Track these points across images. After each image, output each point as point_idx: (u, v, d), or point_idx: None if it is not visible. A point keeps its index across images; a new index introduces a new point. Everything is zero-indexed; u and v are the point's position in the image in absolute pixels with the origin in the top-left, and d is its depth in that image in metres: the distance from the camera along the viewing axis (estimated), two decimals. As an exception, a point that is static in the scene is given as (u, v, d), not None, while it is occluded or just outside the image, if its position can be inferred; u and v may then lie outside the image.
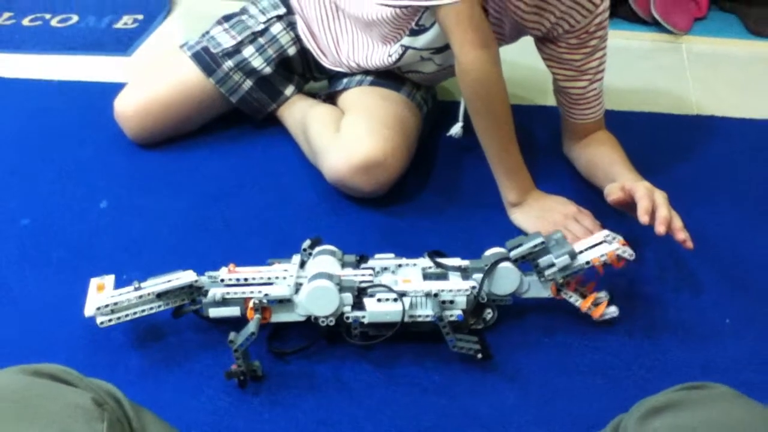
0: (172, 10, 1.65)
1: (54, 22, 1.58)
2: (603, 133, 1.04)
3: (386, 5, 0.96)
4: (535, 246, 0.79)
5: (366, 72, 1.11)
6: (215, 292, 0.77)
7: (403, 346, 0.80)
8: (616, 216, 0.94)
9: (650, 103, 1.27)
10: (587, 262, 0.80)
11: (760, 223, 1.00)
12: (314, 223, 1.00)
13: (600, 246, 0.81)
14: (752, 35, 1.51)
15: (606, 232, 0.83)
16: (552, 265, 0.79)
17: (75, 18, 1.60)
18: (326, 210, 1.02)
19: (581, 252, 0.81)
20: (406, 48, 1.03)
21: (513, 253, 0.80)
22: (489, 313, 0.81)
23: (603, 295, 0.82)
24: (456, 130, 1.09)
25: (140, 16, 1.60)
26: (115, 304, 0.75)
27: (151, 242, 0.97)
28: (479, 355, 0.76)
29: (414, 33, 1.00)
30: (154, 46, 1.49)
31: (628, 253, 0.81)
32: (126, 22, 1.58)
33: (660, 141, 1.18)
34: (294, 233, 0.96)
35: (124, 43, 1.49)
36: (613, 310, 0.82)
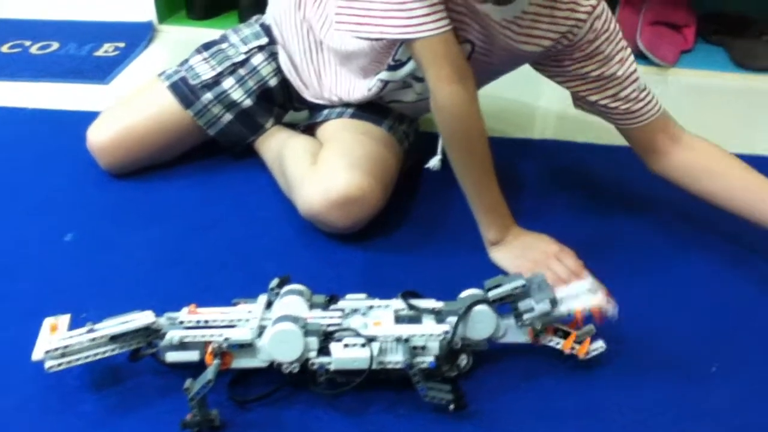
0: (155, 38, 1.63)
1: (34, 50, 1.56)
2: (714, 149, 0.95)
3: (361, 38, 0.94)
4: (515, 288, 0.76)
5: (347, 104, 1.08)
6: (173, 335, 0.72)
7: (374, 392, 0.76)
8: (598, 256, 0.91)
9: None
10: (569, 313, 0.76)
11: (744, 264, 0.96)
12: (288, 258, 0.97)
13: (583, 297, 0.77)
14: (739, 68, 1.50)
15: (591, 280, 0.79)
16: (531, 309, 0.75)
17: (55, 45, 1.58)
18: (301, 245, 0.99)
19: (562, 299, 0.77)
20: (385, 82, 1.00)
21: (491, 294, 0.76)
22: (464, 360, 0.77)
23: (586, 331, 0.78)
24: (434, 162, 1.05)
25: (122, 44, 1.58)
26: (66, 347, 0.71)
27: (117, 278, 0.93)
28: (451, 406, 0.72)
29: (392, 68, 0.98)
30: (134, 75, 1.47)
31: (611, 312, 0.77)
32: (107, 49, 1.56)
33: (645, 175, 1.15)
34: (267, 269, 0.92)
35: (103, 71, 1.47)
36: (599, 345, 0.78)
